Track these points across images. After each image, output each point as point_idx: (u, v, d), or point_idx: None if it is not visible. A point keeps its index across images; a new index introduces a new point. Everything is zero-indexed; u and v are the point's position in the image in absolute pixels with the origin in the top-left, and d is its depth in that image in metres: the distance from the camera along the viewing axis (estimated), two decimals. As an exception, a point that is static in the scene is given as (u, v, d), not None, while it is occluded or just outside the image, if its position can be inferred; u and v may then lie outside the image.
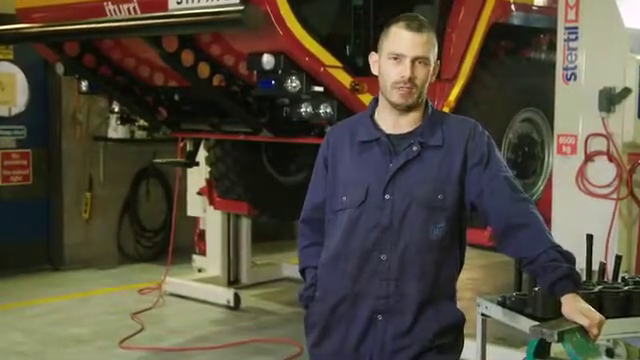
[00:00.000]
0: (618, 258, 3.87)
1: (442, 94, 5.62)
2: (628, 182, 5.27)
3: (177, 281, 7.94)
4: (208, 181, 7.73)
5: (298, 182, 7.54)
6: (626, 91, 5.22)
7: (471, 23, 5.82)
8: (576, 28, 5.39)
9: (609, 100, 5.23)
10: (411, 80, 2.76)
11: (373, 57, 2.89)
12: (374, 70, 2.90)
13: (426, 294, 2.79)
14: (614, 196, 5.27)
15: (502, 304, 3.60)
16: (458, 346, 2.91)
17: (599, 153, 5.32)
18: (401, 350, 2.79)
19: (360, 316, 2.82)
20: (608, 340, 4.59)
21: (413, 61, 2.76)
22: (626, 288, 3.53)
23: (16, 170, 8.88)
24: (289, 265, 8.40)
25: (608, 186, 5.29)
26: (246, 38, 4.97)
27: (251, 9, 4.65)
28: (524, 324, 3.33)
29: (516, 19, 6.28)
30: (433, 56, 2.82)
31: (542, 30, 6.59)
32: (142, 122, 6.99)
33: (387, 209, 2.78)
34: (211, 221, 8.18)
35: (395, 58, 2.77)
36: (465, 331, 2.93)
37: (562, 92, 5.49)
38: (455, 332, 2.88)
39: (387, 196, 2.79)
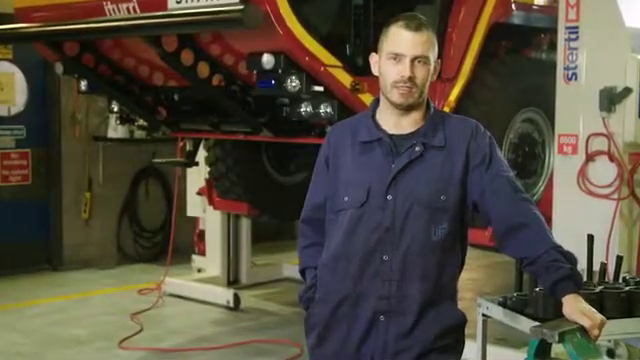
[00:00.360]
0: (619, 258, 3.86)
1: (442, 94, 5.61)
2: (629, 182, 5.25)
3: (176, 281, 7.93)
4: (208, 181, 7.72)
5: (298, 182, 7.53)
6: (627, 91, 5.20)
7: (472, 23, 5.81)
8: (577, 27, 5.37)
9: (610, 100, 5.22)
10: (411, 79, 2.75)
11: (374, 58, 2.89)
12: (375, 71, 2.89)
13: (428, 295, 2.78)
14: (615, 196, 5.25)
15: (503, 304, 3.58)
16: (459, 347, 2.90)
17: (600, 153, 5.30)
18: (402, 351, 2.78)
19: (362, 316, 2.81)
20: (609, 341, 4.58)
21: (413, 60, 2.75)
22: (627, 288, 3.51)
23: (15, 170, 8.86)
24: (289, 265, 8.39)
25: (609, 186, 5.28)
26: (246, 38, 4.95)
27: (251, 8, 4.63)
28: (525, 324, 3.32)
29: (517, 19, 6.27)
30: (433, 55, 2.81)
31: (543, 30, 6.58)
32: (141, 122, 6.97)
33: (389, 210, 2.77)
34: (211, 221, 8.17)
35: (394, 58, 2.77)
36: (466, 331, 2.92)
37: (563, 92, 5.47)
38: (456, 333, 2.87)
39: (389, 197, 2.78)
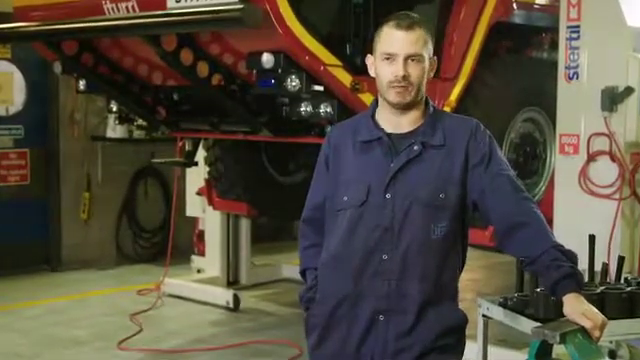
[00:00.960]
0: (621, 259, 3.84)
1: (443, 93, 5.60)
2: (631, 182, 5.24)
3: (176, 282, 7.91)
4: (207, 181, 7.70)
5: (298, 182, 7.51)
6: (628, 90, 5.19)
7: (472, 22, 5.80)
8: (578, 27, 5.36)
9: (611, 99, 5.20)
10: (405, 78, 2.75)
11: (369, 59, 2.89)
12: (371, 72, 2.89)
13: (428, 294, 2.76)
14: (617, 196, 5.23)
15: (503, 305, 3.57)
16: (460, 347, 2.88)
17: (601, 153, 5.29)
18: (403, 351, 2.76)
19: (361, 316, 2.79)
20: (611, 341, 4.55)
21: (406, 59, 2.75)
22: (629, 289, 3.50)
23: (14, 170, 8.84)
24: (289, 266, 8.38)
25: (610, 186, 5.26)
26: (245, 37, 4.94)
27: (251, 8, 4.62)
28: (525, 325, 3.31)
29: (518, 18, 6.26)
30: (427, 52, 2.79)
31: (544, 29, 6.56)
32: (140, 122, 6.96)
33: (388, 209, 2.76)
34: (210, 221, 8.15)
35: (388, 58, 2.77)
36: (466, 332, 2.90)
37: (564, 91, 5.46)
38: (457, 333, 2.85)
39: (388, 196, 2.76)
